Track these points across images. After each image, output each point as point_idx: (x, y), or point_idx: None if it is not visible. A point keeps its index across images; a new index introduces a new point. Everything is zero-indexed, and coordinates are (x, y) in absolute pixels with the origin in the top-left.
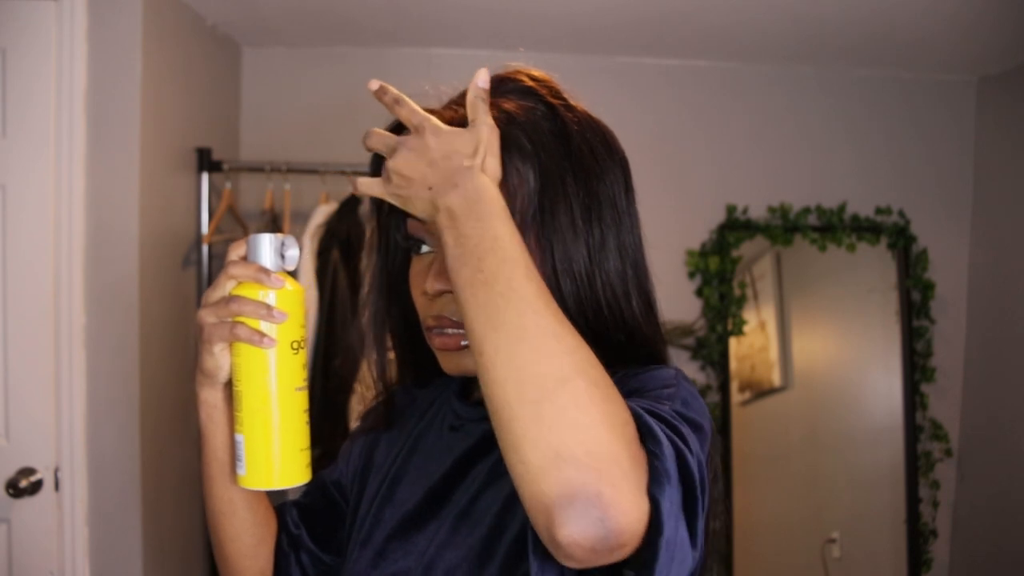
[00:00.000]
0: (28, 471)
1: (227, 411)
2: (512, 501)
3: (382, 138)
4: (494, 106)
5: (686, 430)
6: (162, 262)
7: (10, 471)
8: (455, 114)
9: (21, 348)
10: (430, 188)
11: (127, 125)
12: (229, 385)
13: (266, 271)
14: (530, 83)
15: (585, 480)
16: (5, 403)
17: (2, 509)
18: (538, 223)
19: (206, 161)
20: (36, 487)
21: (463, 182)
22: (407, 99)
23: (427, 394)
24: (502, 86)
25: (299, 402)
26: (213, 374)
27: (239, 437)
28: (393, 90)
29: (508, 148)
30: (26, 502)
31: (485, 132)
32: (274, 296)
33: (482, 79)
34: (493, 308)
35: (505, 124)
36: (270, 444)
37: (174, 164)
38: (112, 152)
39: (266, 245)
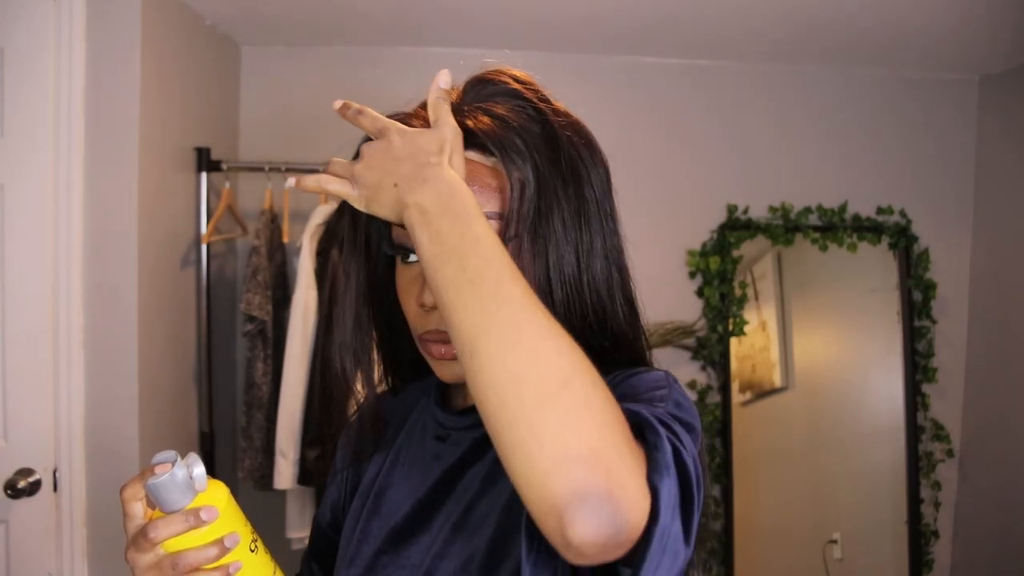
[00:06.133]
0: (26, 471)
1: None
2: (511, 506)
3: (342, 165)
4: (484, 110)
5: (679, 429)
6: (161, 262)
7: (8, 472)
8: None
9: (19, 348)
10: (396, 185)
11: (126, 124)
12: None
13: (194, 514)
14: (516, 85)
15: (595, 479)
16: (3, 403)
17: (0, 510)
18: (534, 228)
19: (205, 160)
20: (34, 488)
21: (433, 178)
22: (369, 110)
23: (402, 401)
24: (485, 88)
25: None
26: None
27: None
28: (354, 104)
29: (507, 151)
30: (24, 503)
31: (449, 131)
32: (214, 527)
33: (443, 80)
34: (482, 310)
35: (501, 128)
36: None
37: (173, 163)
38: (111, 151)
39: (175, 483)
